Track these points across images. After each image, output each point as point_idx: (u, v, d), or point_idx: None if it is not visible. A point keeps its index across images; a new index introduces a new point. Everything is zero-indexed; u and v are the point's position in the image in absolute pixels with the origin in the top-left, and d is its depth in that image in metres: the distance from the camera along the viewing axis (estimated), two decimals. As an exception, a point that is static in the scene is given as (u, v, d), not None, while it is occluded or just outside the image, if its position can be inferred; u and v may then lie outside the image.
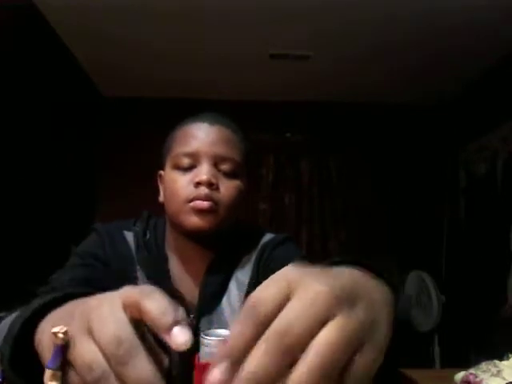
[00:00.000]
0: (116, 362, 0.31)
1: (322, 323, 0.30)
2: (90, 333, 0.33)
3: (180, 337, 0.33)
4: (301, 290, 0.31)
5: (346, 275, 0.36)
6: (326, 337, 0.29)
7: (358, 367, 0.30)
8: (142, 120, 3.30)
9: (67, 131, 2.80)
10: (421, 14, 2.25)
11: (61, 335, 0.33)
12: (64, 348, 0.33)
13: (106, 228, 0.87)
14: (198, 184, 0.77)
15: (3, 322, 0.55)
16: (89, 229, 0.89)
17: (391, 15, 2.27)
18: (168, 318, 0.33)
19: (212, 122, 0.82)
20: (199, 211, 0.76)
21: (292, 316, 0.29)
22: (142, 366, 0.32)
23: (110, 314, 0.34)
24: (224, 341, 0.39)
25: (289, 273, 0.33)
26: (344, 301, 0.31)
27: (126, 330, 0.33)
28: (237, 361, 0.30)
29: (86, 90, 3.13)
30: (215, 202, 0.77)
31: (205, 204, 0.76)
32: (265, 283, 0.33)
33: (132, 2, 2.18)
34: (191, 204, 0.76)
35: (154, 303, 0.34)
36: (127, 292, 0.36)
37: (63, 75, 2.71)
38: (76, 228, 2.70)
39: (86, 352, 0.33)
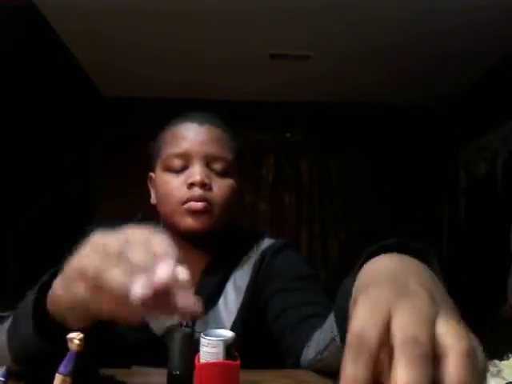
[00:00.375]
0: (103, 267, 0.37)
1: (434, 323, 0.30)
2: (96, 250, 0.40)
3: (165, 269, 0.37)
4: (401, 309, 0.31)
5: (420, 274, 0.38)
6: (451, 334, 0.30)
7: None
8: (142, 120, 3.30)
9: (67, 131, 2.80)
10: (421, 14, 2.25)
11: (77, 341, 0.33)
12: (78, 355, 0.34)
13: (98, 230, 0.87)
14: (191, 185, 0.76)
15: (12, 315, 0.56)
16: (84, 231, 0.89)
17: (391, 15, 2.27)
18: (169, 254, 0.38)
19: (201, 122, 0.81)
20: (194, 212, 0.76)
21: (408, 327, 0.29)
22: (117, 273, 0.36)
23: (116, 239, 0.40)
24: (224, 341, 0.39)
25: (379, 294, 0.33)
26: (439, 302, 0.33)
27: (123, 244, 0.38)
28: None
29: (85, 90, 3.13)
30: (209, 202, 0.77)
31: (199, 205, 0.76)
32: (360, 311, 0.32)
33: (132, 2, 2.18)
34: (185, 206, 0.76)
35: (161, 244, 0.39)
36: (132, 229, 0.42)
37: (63, 75, 2.71)
38: (76, 228, 2.69)
39: (84, 259, 0.40)
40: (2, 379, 0.40)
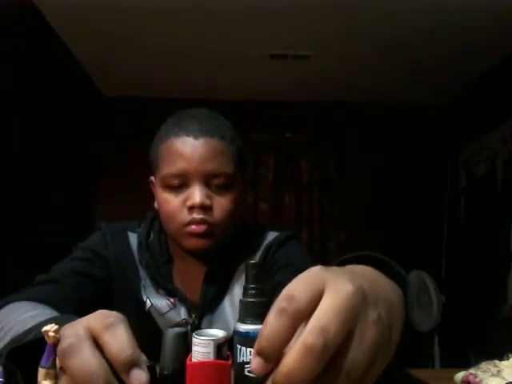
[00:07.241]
0: (64, 356, 0.33)
1: (355, 322, 0.30)
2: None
3: (136, 380, 0.33)
4: (332, 289, 0.31)
5: (368, 274, 0.38)
6: (363, 342, 0.30)
7: (373, 374, 0.31)
8: (142, 120, 3.30)
9: (67, 131, 2.80)
10: (421, 14, 2.25)
11: (52, 334, 0.33)
12: (56, 346, 0.34)
13: (110, 228, 0.88)
14: (191, 208, 0.76)
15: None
16: (95, 227, 0.90)
17: (391, 15, 2.27)
18: (125, 356, 0.33)
19: (197, 135, 0.76)
20: (195, 234, 0.76)
21: (327, 316, 0.29)
22: (85, 357, 0.32)
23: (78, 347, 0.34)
24: (214, 340, 0.39)
25: (319, 271, 0.33)
26: (371, 300, 0.32)
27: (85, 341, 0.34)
28: (270, 357, 0.30)
29: (86, 90, 3.13)
30: (210, 224, 0.76)
31: (200, 228, 0.75)
32: (296, 279, 0.32)
33: (132, 2, 2.18)
34: (187, 228, 0.76)
35: (114, 339, 0.34)
36: (92, 322, 0.36)
37: (63, 75, 2.71)
38: (76, 228, 2.70)
39: None
40: (1, 379, 0.40)
